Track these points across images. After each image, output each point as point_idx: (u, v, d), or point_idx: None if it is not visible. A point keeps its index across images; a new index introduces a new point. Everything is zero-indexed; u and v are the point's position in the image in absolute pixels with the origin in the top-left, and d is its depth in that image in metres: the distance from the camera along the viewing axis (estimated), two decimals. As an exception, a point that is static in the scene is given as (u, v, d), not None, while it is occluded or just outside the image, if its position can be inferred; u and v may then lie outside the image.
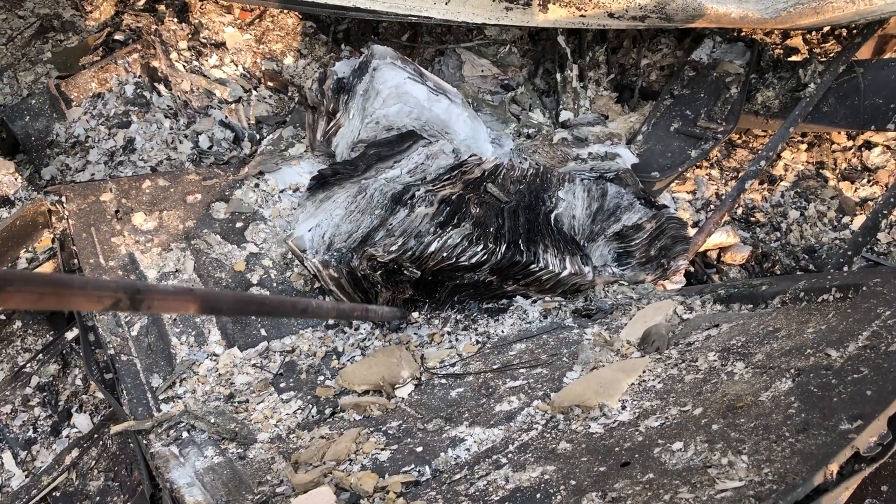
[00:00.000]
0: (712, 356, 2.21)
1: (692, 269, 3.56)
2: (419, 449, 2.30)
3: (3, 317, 3.37)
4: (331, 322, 3.27)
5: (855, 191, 4.06)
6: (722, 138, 4.08)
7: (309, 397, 2.84)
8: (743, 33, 4.52)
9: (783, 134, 3.86)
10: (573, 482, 1.82)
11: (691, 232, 3.50)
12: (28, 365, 3.30)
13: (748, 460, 1.60)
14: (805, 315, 2.30)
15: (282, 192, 3.67)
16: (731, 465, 1.61)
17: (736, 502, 1.47)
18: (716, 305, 2.73)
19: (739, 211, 4.09)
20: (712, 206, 4.01)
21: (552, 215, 3.28)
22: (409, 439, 2.40)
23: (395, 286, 3.16)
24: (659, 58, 4.73)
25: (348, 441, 2.39)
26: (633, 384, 2.24)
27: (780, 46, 4.63)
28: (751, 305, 2.60)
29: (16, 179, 3.50)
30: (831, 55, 4.47)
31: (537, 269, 3.07)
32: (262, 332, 3.17)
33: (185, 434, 2.70)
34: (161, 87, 4.26)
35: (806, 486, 1.44)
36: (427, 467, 2.19)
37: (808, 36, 4.73)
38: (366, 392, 2.80)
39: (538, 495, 1.83)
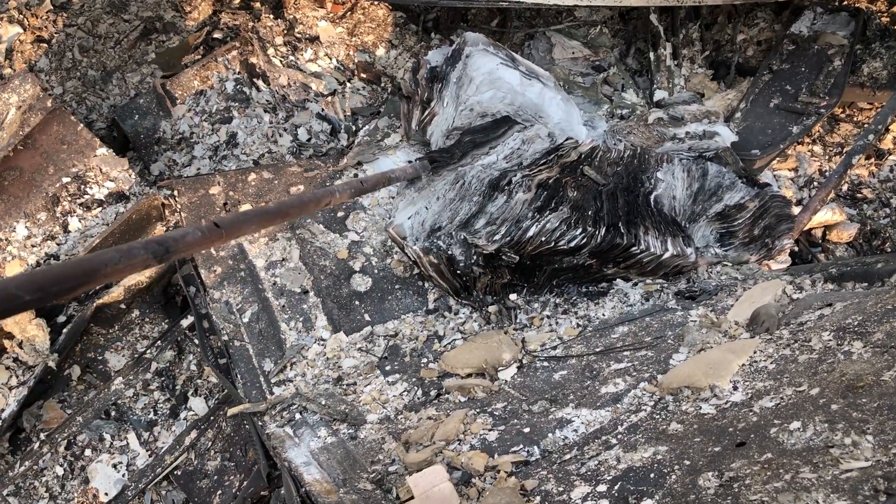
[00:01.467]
0: (827, 336, 2.16)
1: (797, 248, 3.47)
2: (526, 430, 2.33)
3: (123, 306, 3.56)
4: (430, 307, 3.33)
5: (972, 163, 3.87)
6: (825, 113, 3.94)
7: (414, 380, 2.92)
8: (846, 2, 4.34)
9: (893, 106, 3.70)
10: (687, 462, 1.82)
11: (795, 210, 3.40)
12: (147, 351, 3.49)
13: (874, 440, 1.56)
14: (926, 293, 2.22)
15: (379, 181, 3.75)
16: (855, 445, 1.58)
17: (863, 482, 1.44)
18: (827, 284, 2.66)
19: (845, 187, 3.95)
20: (816, 184, 3.89)
21: (651, 197, 3.25)
22: (515, 420, 2.43)
23: (494, 271, 3.19)
24: (756, 32, 4.59)
25: (456, 422, 2.45)
26: (743, 365, 2.21)
27: (887, 14, 4.42)
28: (865, 284, 2.52)
29: (130, 176, 3.69)
30: (944, 21, 4.25)
31: (638, 251, 3.05)
32: (367, 317, 3.26)
33: (297, 416, 2.81)
34: (260, 83, 4.41)
35: (938, 466, 1.41)
36: (535, 447, 2.22)
37: (918, 1, 4.51)
38: (469, 375, 2.85)
39: (652, 475, 1.84)
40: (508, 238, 3.05)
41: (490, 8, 4.67)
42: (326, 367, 3.05)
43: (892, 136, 4.11)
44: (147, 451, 3.34)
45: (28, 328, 3.24)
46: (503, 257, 3.11)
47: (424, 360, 3.04)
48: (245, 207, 3.55)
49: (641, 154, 3.40)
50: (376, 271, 3.42)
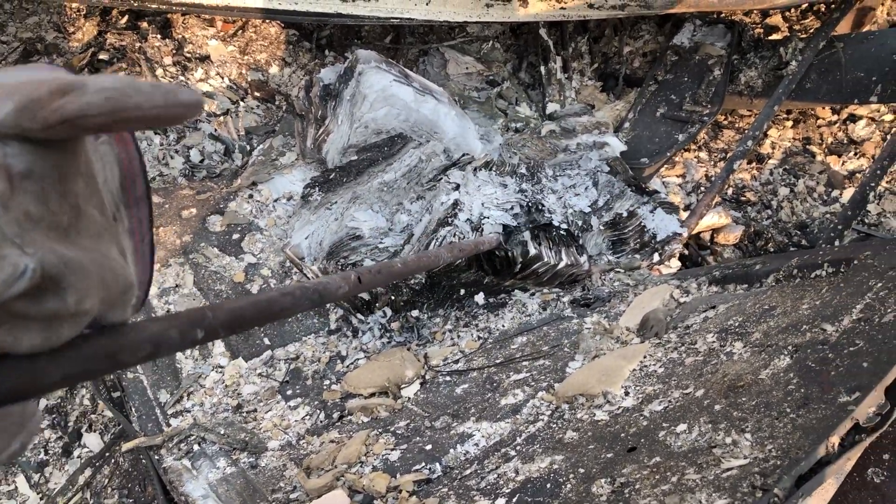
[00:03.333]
0: (711, 338, 2.25)
1: (686, 252, 3.60)
2: (428, 447, 2.33)
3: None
4: (332, 327, 3.30)
5: (843, 164, 4.11)
6: (708, 120, 4.11)
7: (316, 403, 2.88)
8: (723, 15, 4.55)
9: (768, 112, 3.89)
10: (582, 470, 1.86)
11: (683, 215, 3.53)
12: (35, 388, 3.32)
13: (752, 438, 1.63)
14: (799, 291, 2.33)
15: (276, 201, 3.69)
16: (735, 444, 1.64)
17: (742, 479, 1.50)
18: (711, 287, 2.76)
19: (730, 191, 4.13)
20: (703, 189, 4.05)
21: (545, 208, 3.31)
22: (417, 438, 2.43)
23: (395, 288, 3.19)
24: (641, 44, 4.76)
25: (358, 443, 2.42)
26: (634, 370, 2.27)
27: (760, 25, 4.66)
28: (746, 285, 2.64)
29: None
30: (811, 31, 4.50)
31: (530, 256, 3.11)
32: (266, 340, 3.19)
33: (195, 447, 2.73)
34: (148, 104, 4.28)
35: (809, 459, 1.48)
36: (437, 464, 2.22)
37: (788, 13, 4.77)
38: (372, 394, 2.83)
39: (548, 485, 1.87)
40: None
41: (383, 25, 4.69)
42: (225, 394, 2.97)
43: (771, 140, 4.33)
44: (38, 493, 3.17)
45: None
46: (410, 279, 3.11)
47: (327, 382, 3.00)
48: (135, 234, 3.43)
49: (534, 166, 3.47)
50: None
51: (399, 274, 1.72)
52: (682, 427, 1.82)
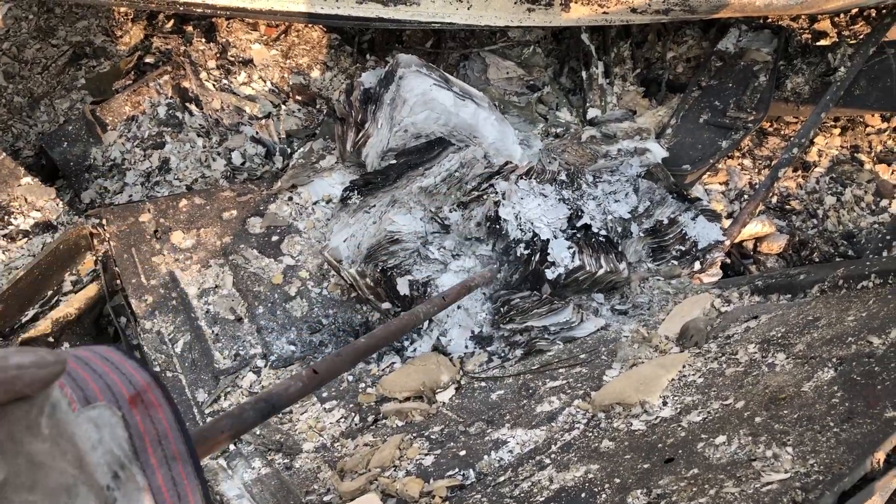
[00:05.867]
0: (752, 348, 2.20)
1: (728, 260, 3.53)
2: (462, 453, 2.32)
3: (51, 339, 3.45)
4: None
5: (892, 173, 4.00)
6: (753, 127, 4.04)
7: (351, 405, 2.88)
8: (769, 20, 4.47)
9: (815, 119, 3.81)
10: (617, 480, 1.83)
11: (726, 223, 3.47)
12: (78, 385, 3.38)
13: (793, 452, 1.59)
14: (845, 303, 2.27)
15: (315, 204, 3.71)
16: (775, 458, 1.60)
17: (782, 494, 1.46)
18: (753, 297, 2.71)
19: (774, 199, 4.04)
20: (746, 197, 3.98)
21: (584, 215, 3.28)
22: (451, 443, 2.42)
23: (431, 292, 3.19)
24: (684, 50, 4.70)
25: (392, 447, 2.42)
26: (673, 380, 2.23)
27: (807, 31, 4.57)
28: (789, 295, 2.58)
29: (57, 205, 3.59)
30: (861, 37, 4.40)
31: (572, 267, 3.08)
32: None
33: (231, 447, 2.75)
34: (192, 107, 4.34)
35: (853, 475, 1.43)
36: (471, 471, 2.21)
37: (836, 19, 4.66)
38: (407, 399, 2.83)
39: (583, 494, 1.84)
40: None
41: (424, 30, 4.70)
42: (262, 395, 2.99)
43: (817, 148, 4.23)
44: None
45: (-52, 366, 3.11)
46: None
47: (362, 385, 3.01)
48: (177, 234, 3.48)
49: (574, 172, 3.44)
50: (312, 295, 3.38)
51: (366, 350, 1.60)
52: (721, 439, 1.78)
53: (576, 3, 3.86)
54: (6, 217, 3.51)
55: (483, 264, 3.20)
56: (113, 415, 0.66)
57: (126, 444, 0.66)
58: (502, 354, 2.98)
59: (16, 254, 3.46)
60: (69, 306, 3.41)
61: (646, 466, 1.84)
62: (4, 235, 3.48)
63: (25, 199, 3.55)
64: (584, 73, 4.46)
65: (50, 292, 3.41)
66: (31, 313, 3.38)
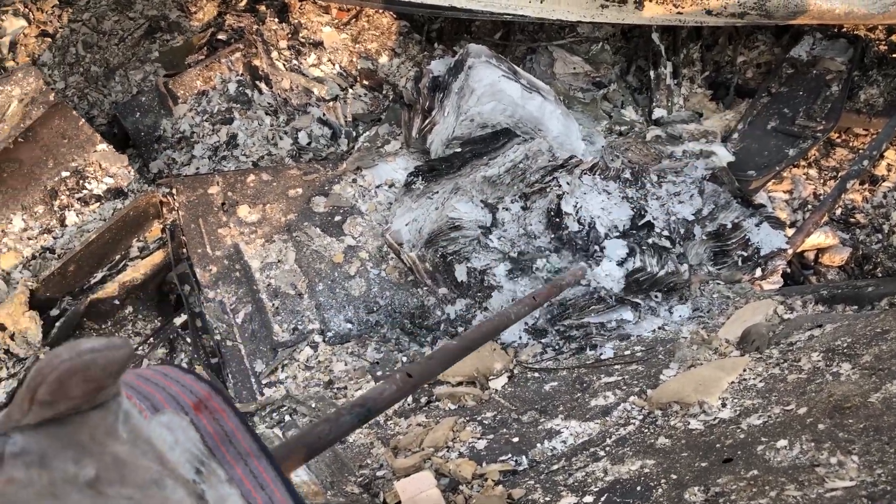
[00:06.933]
0: (816, 356, 2.18)
1: (789, 269, 3.49)
2: (515, 439, 2.35)
3: (117, 302, 3.57)
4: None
5: (964, 192, 3.91)
6: (821, 137, 3.98)
7: (405, 386, 2.92)
8: (845, 29, 4.39)
9: (888, 132, 3.74)
10: (674, 476, 1.84)
11: (789, 232, 3.43)
12: (139, 348, 3.49)
13: (859, 461, 1.58)
14: (915, 317, 2.24)
15: (378, 187, 3.76)
16: (840, 465, 1.60)
17: (847, 502, 1.46)
18: (818, 306, 2.68)
19: (839, 211, 3.98)
20: (810, 207, 3.92)
21: (646, 214, 3.27)
22: (504, 430, 2.45)
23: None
24: (756, 55, 4.64)
25: (445, 429, 2.46)
26: (732, 382, 2.23)
27: (884, 42, 4.47)
28: (855, 307, 2.55)
29: (129, 172, 3.70)
30: (941, 51, 4.30)
31: (633, 268, 3.08)
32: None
33: (287, 417, 2.82)
34: (262, 85, 4.42)
35: (921, 487, 1.43)
36: (524, 457, 2.24)
37: (916, 31, 4.56)
38: (459, 383, 2.86)
39: (638, 487, 1.85)
40: (517, 252, 3.07)
41: (494, 21, 4.71)
42: (318, 370, 3.05)
43: (887, 162, 4.15)
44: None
45: (21, 320, 3.24)
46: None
47: (416, 367, 3.05)
48: (243, 208, 3.56)
49: (637, 171, 3.43)
50: (371, 276, 3.43)
51: (459, 353, 1.55)
52: (782, 442, 1.78)
53: (650, 1, 3.84)
54: (81, 181, 3.63)
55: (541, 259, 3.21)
56: (182, 419, 0.70)
57: (200, 443, 0.69)
58: (556, 347, 3.00)
59: (88, 217, 3.57)
60: (136, 271, 3.52)
61: (703, 465, 1.84)
62: (79, 199, 3.60)
63: (100, 165, 3.67)
64: (651, 73, 4.43)
65: (118, 256, 3.52)
66: (99, 275, 3.50)
